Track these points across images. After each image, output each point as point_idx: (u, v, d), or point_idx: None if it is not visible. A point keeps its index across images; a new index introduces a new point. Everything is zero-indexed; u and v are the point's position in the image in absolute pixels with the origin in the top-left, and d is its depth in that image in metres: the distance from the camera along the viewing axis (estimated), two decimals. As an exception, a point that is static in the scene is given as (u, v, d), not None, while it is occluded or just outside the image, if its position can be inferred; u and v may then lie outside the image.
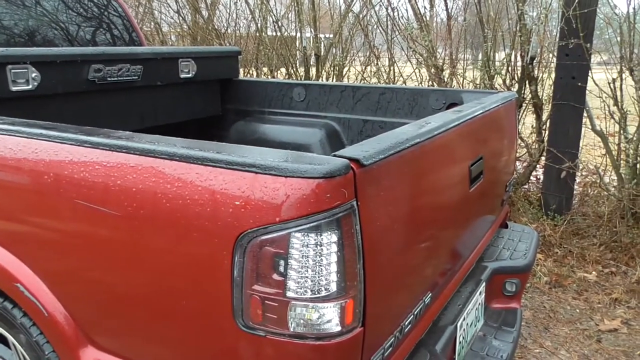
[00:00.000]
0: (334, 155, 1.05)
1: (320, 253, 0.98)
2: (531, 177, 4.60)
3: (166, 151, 1.10)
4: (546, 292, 3.19)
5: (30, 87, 2.08)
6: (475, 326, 1.86)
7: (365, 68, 5.52)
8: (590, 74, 3.83)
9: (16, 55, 2.00)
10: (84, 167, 1.20)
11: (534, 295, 3.15)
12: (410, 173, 1.26)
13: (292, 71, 5.78)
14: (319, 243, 0.98)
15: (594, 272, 3.38)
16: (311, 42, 5.59)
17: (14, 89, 2.02)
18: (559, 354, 2.56)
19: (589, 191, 4.25)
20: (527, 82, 4.31)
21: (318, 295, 0.99)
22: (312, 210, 0.97)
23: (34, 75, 2.08)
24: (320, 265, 0.99)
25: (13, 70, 2.01)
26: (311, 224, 0.97)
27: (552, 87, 4.04)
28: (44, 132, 1.31)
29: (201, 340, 1.11)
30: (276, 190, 0.98)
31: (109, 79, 2.37)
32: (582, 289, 3.21)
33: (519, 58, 4.41)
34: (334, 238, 0.99)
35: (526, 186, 4.58)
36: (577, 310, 2.99)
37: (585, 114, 3.94)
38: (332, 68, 5.64)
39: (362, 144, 1.16)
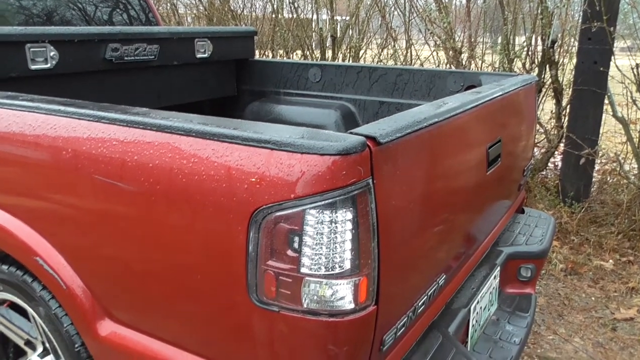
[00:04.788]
0: (350, 133, 1.05)
1: (334, 230, 0.98)
2: (549, 164, 4.53)
3: (182, 127, 1.11)
4: (561, 279, 3.17)
5: (48, 65, 2.09)
6: (488, 310, 1.86)
7: (382, 50, 5.47)
8: (612, 59, 3.73)
9: (35, 34, 2.01)
10: (102, 143, 1.21)
11: (549, 282, 3.13)
12: (427, 153, 1.24)
13: (307, 53, 5.74)
14: (333, 220, 0.98)
15: (610, 261, 3.34)
16: (327, 23, 5.53)
17: (33, 67, 2.04)
18: (573, 341, 2.55)
19: (608, 179, 4.18)
20: (547, 66, 4.22)
21: (332, 272, 0.99)
22: (327, 187, 0.96)
23: (52, 54, 2.10)
24: (335, 243, 0.98)
25: (32, 49, 2.02)
26: (326, 201, 0.97)
27: (573, 72, 3.96)
28: (62, 108, 1.32)
29: (215, 314, 1.13)
30: (291, 166, 0.97)
31: (125, 58, 2.38)
32: (598, 277, 3.18)
33: (539, 42, 4.32)
34: (349, 216, 0.98)
35: (544, 172, 4.53)
36: (593, 299, 2.96)
37: (606, 100, 3.85)
38: (348, 50, 5.59)
39: (379, 122, 1.14)
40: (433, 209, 1.30)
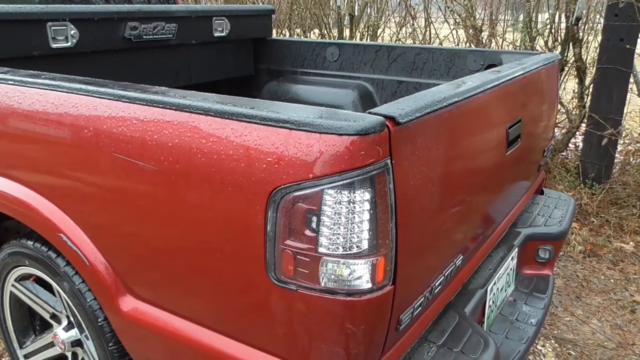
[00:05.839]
0: (369, 113, 1.04)
1: (352, 210, 0.98)
2: (569, 145, 4.46)
3: (201, 106, 1.11)
4: (580, 261, 3.14)
5: (69, 44, 2.11)
6: (505, 291, 1.86)
7: (400, 29, 5.38)
8: (640, 36, 3.63)
9: (56, 12, 2.03)
10: (122, 122, 1.23)
11: (567, 264, 3.11)
12: (446, 133, 1.23)
13: (325, 32, 5.68)
14: (351, 200, 0.98)
15: (631, 243, 3.30)
16: (345, 2, 5.46)
17: (54, 46, 2.06)
18: (590, 323, 2.54)
19: (631, 160, 4.10)
20: (570, 44, 4.11)
21: (349, 252, 1.00)
22: (345, 167, 0.96)
23: (72, 32, 2.11)
24: (353, 223, 0.99)
25: (53, 28, 2.04)
26: (344, 181, 0.97)
27: (598, 50, 3.85)
28: (83, 87, 1.33)
29: (234, 292, 1.14)
30: (310, 146, 0.98)
31: (144, 37, 2.39)
32: (618, 259, 3.14)
33: (563, 19, 4.21)
34: (367, 196, 0.98)
35: (564, 153, 4.45)
36: (612, 281, 2.93)
37: (631, 79, 3.75)
38: (366, 29, 5.52)
39: (398, 101, 1.13)
40: (451, 190, 1.29)
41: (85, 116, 1.30)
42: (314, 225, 1.00)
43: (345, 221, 0.99)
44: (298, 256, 1.02)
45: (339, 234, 0.99)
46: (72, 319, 1.65)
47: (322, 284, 1.02)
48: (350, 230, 0.99)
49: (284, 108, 1.06)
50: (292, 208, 1.00)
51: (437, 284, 1.29)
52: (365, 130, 0.96)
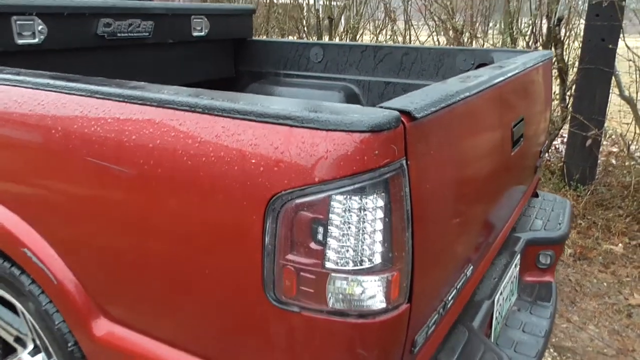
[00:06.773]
0: (381, 107, 0.92)
1: (364, 219, 0.86)
2: (551, 147, 4.44)
3: (187, 102, 0.97)
4: (571, 264, 3.08)
5: (36, 40, 1.95)
6: (509, 300, 1.76)
7: (379, 32, 5.32)
8: (622, 36, 3.62)
9: (21, 5, 1.86)
10: (95, 121, 1.08)
11: (558, 268, 3.04)
12: (459, 130, 1.12)
13: (304, 36, 5.58)
14: (363, 207, 0.85)
15: (620, 244, 3.26)
16: (323, 8, 5.37)
17: (20, 42, 1.90)
18: (588, 329, 2.46)
19: (613, 161, 4.10)
20: (552, 44, 4.10)
21: (361, 267, 0.87)
22: (356, 169, 0.84)
23: (40, 27, 1.95)
24: (364, 233, 0.86)
25: (18, 22, 1.88)
26: (355, 186, 0.84)
27: (580, 50, 3.84)
28: (51, 82, 1.18)
29: (226, 314, 1.00)
30: (315, 146, 0.85)
31: (118, 34, 2.23)
32: (608, 261, 3.10)
33: (544, 20, 4.19)
34: (381, 202, 0.86)
35: (547, 155, 4.43)
36: (605, 284, 2.88)
37: (613, 79, 3.75)
38: (345, 33, 5.44)
39: (409, 95, 1.02)
40: (464, 193, 1.18)
41: (53, 115, 1.15)
42: (320, 236, 0.87)
43: (356, 231, 0.86)
44: (301, 273, 0.89)
45: (348, 246, 0.87)
46: (38, 342, 1.48)
47: (330, 305, 0.89)
48: (362, 242, 0.87)
49: (284, 102, 0.93)
50: (295, 217, 0.87)
51: (449, 298, 1.18)
52: (379, 126, 0.84)
